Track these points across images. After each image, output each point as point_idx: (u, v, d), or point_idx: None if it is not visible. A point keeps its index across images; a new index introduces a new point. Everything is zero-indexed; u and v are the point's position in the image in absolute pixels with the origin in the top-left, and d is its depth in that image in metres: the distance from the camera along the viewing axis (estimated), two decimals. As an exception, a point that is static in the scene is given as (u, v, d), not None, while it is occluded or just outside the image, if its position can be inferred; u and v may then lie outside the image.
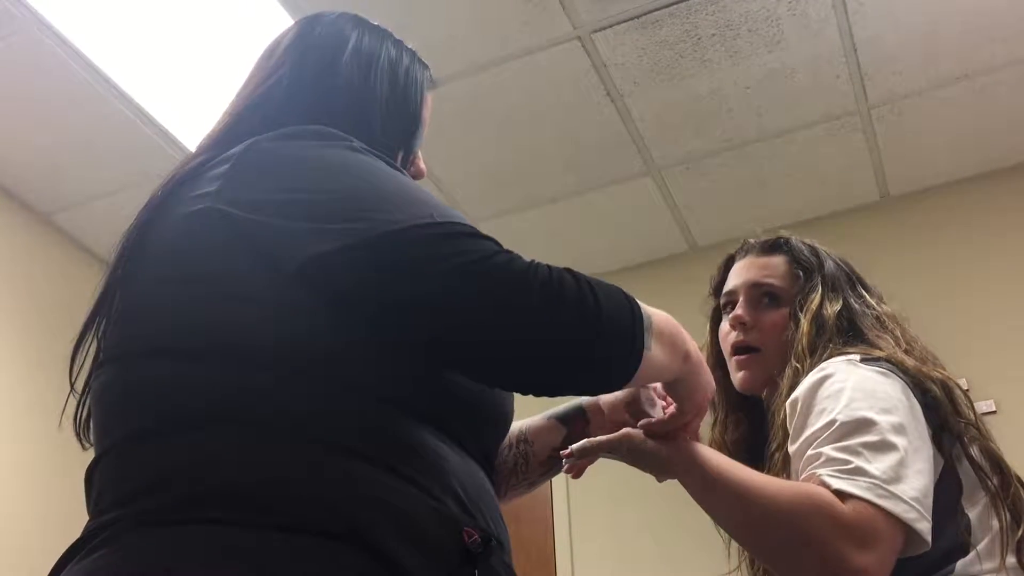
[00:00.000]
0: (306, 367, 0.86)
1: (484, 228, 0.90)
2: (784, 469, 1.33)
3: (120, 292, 0.98)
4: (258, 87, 1.10)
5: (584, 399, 1.32)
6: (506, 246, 0.95)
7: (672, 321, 1.00)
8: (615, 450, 1.22)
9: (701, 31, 3.11)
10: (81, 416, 0.99)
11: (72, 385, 1.01)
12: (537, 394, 0.91)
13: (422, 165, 1.21)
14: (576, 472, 1.30)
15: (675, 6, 3.00)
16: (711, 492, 1.18)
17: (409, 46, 1.21)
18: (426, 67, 1.21)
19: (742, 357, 1.52)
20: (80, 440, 0.99)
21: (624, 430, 1.21)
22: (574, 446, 1.25)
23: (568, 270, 0.91)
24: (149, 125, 3.33)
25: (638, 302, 0.93)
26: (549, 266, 0.90)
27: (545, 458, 1.24)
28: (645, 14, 3.03)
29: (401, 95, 1.14)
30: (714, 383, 1.10)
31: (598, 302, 0.88)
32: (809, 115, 3.48)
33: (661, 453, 1.19)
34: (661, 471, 1.23)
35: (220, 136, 1.07)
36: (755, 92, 3.36)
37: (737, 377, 1.53)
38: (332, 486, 0.80)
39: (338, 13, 1.17)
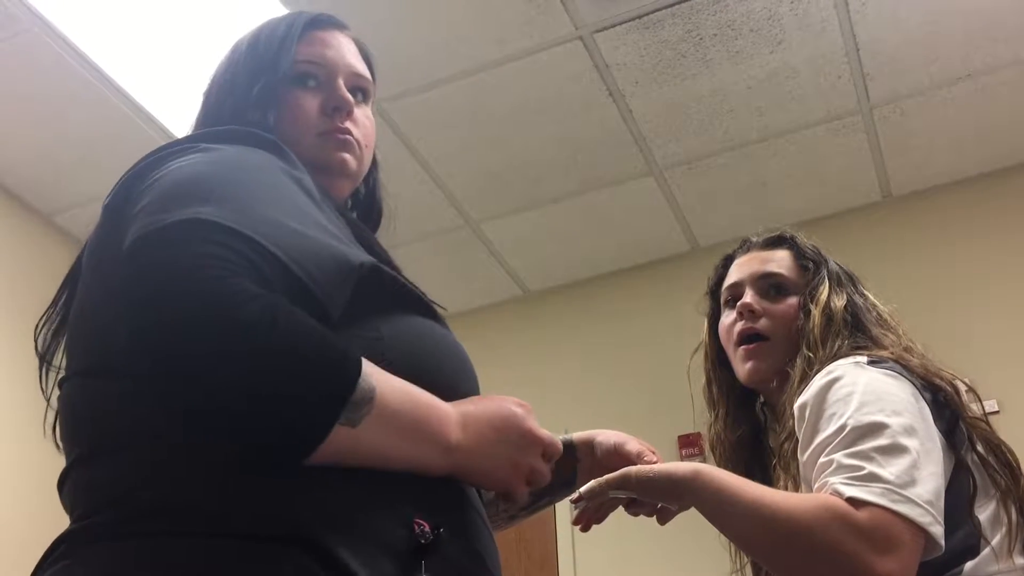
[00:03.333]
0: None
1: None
2: (794, 460, 1.32)
3: (72, 303, 1.02)
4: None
5: (576, 435, 1.31)
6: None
7: (425, 408, 0.86)
8: (624, 486, 1.21)
9: (703, 31, 3.10)
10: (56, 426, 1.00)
11: (44, 393, 1.02)
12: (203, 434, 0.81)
13: (341, 94, 1.14)
14: (585, 525, 1.31)
15: (677, 6, 3.00)
16: (727, 513, 1.17)
17: (288, 11, 1.24)
18: (299, 15, 1.18)
19: (750, 346, 1.49)
20: (58, 448, 1.00)
21: (624, 468, 1.21)
22: (582, 489, 1.25)
23: (280, 309, 0.78)
24: (150, 125, 3.33)
25: (363, 375, 0.80)
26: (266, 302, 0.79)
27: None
28: (647, 14, 3.03)
29: (261, 54, 1.14)
30: (519, 453, 0.92)
31: (274, 353, 0.76)
32: (811, 115, 3.47)
33: (670, 481, 1.19)
34: (673, 498, 1.23)
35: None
36: (757, 92, 3.35)
37: (744, 368, 1.50)
38: (272, 490, 0.79)
39: (243, 36, 1.21)
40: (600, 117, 3.43)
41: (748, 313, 1.50)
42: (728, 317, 1.55)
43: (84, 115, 3.27)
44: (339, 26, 1.21)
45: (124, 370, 0.83)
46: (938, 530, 1.13)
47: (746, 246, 1.62)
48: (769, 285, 1.52)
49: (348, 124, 1.13)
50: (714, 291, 1.64)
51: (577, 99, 3.35)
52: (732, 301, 1.55)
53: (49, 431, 0.99)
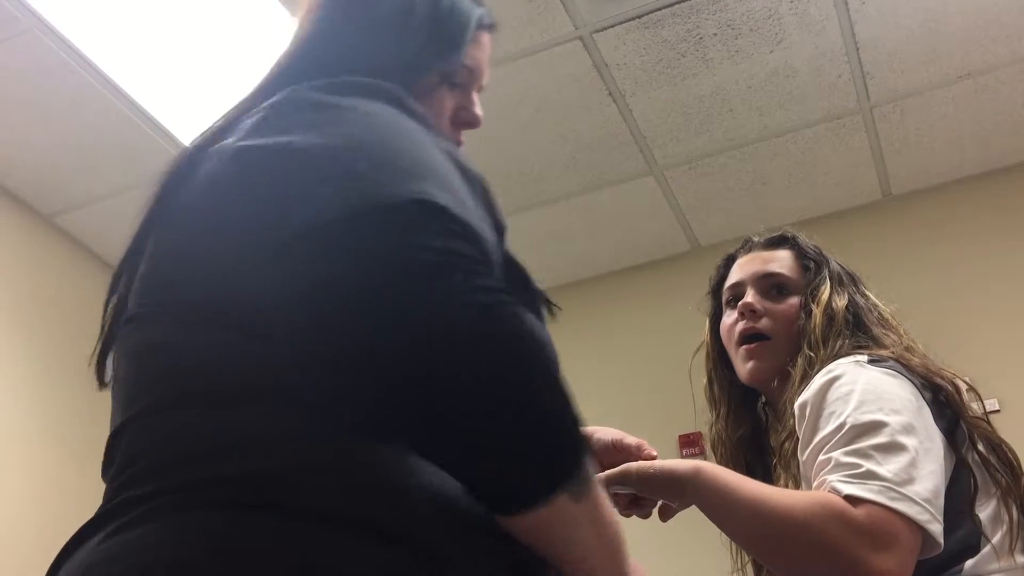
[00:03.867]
0: (333, 353, 0.75)
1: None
2: (794, 459, 1.33)
3: (155, 241, 0.90)
4: (303, 30, 1.05)
5: None
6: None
7: (616, 522, 0.81)
8: (625, 482, 1.22)
9: (703, 30, 3.11)
10: (102, 356, 0.92)
11: (103, 329, 0.93)
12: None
13: (477, 111, 1.11)
14: None
15: (677, 6, 3.00)
16: (725, 510, 1.18)
17: None
18: (479, 4, 1.12)
19: (752, 346, 1.50)
20: (100, 380, 0.92)
21: (625, 464, 1.22)
22: None
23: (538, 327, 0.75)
24: (152, 127, 3.33)
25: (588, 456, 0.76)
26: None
27: None
28: (647, 14, 3.03)
29: (443, 22, 1.05)
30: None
31: (559, 408, 0.73)
32: (811, 114, 3.47)
33: (671, 478, 1.20)
34: (673, 495, 1.23)
35: (262, 86, 1.00)
36: (757, 91, 3.36)
37: (746, 368, 1.50)
38: (398, 479, 0.73)
39: None
40: (600, 117, 3.43)
41: (749, 313, 1.50)
42: (730, 317, 1.55)
43: (85, 117, 3.27)
44: (496, 28, 1.15)
45: (299, 330, 0.75)
46: (936, 528, 1.14)
47: (748, 246, 1.63)
48: (771, 285, 1.53)
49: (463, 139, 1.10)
50: (716, 291, 1.64)
51: (577, 99, 3.35)
52: (734, 301, 1.56)
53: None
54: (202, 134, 0.95)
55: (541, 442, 0.72)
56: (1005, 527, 1.25)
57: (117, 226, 1.02)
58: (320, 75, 0.93)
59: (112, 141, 3.35)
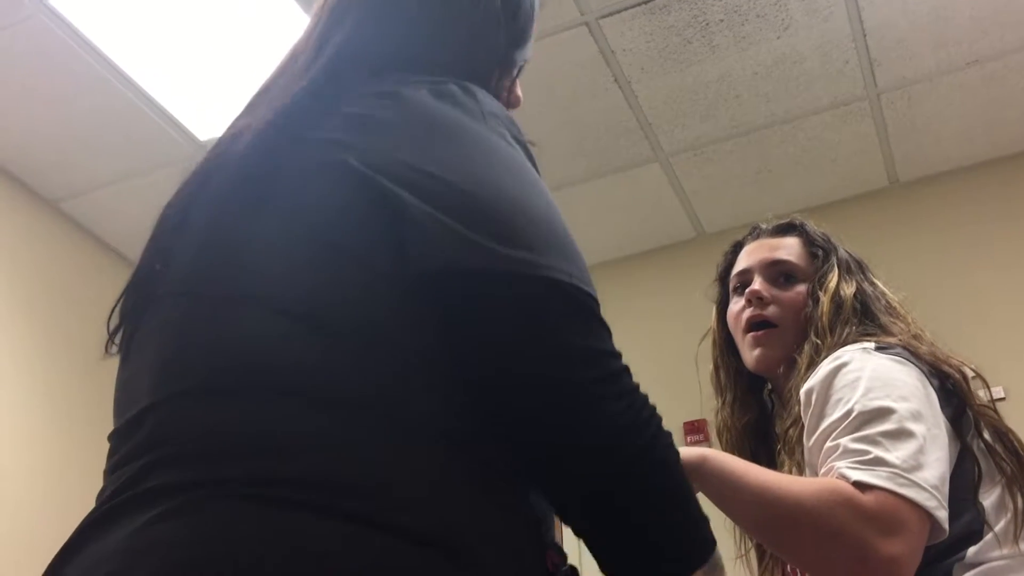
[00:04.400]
0: (413, 366, 0.77)
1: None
2: (799, 446, 1.33)
3: (216, 222, 0.85)
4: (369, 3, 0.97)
5: None
6: None
7: None
8: None
9: (709, 16, 3.09)
10: (118, 324, 0.89)
11: (132, 293, 0.88)
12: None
13: (519, 92, 1.10)
14: None
15: (683, -9, 2.99)
16: (732, 498, 1.18)
17: None
18: None
19: (759, 333, 1.49)
20: (108, 346, 0.89)
21: None
22: None
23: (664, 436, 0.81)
24: (156, 113, 3.33)
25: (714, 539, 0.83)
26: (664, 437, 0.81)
27: None
28: (653, -1, 3.02)
29: (514, 8, 1.03)
30: None
31: (673, 495, 0.80)
32: (818, 101, 3.46)
33: None
34: None
35: (329, 58, 0.92)
36: (763, 78, 3.34)
37: (752, 355, 1.50)
38: (450, 502, 0.75)
39: None
40: (606, 103, 3.42)
41: (756, 300, 1.50)
42: (737, 304, 1.55)
43: (89, 102, 3.27)
44: None
45: (395, 341, 0.77)
46: (943, 514, 1.14)
47: (755, 233, 1.62)
48: (778, 272, 1.52)
49: None
50: (723, 278, 1.64)
51: (583, 85, 3.34)
52: (741, 288, 1.55)
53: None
54: (262, 107, 0.90)
55: (683, 549, 0.80)
56: (1009, 515, 1.25)
57: (121, 211, 1.02)
58: (403, 67, 0.90)
59: (116, 127, 3.34)
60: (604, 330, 0.82)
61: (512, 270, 0.77)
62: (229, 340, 0.78)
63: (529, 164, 0.88)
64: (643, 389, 0.85)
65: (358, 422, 0.74)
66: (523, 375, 0.77)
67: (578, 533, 0.81)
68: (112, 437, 0.83)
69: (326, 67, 0.90)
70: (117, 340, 0.90)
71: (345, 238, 0.79)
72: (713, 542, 0.83)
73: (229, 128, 0.93)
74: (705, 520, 0.83)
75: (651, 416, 0.81)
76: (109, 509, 0.73)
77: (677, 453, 0.83)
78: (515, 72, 1.07)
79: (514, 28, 1.03)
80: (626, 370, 0.81)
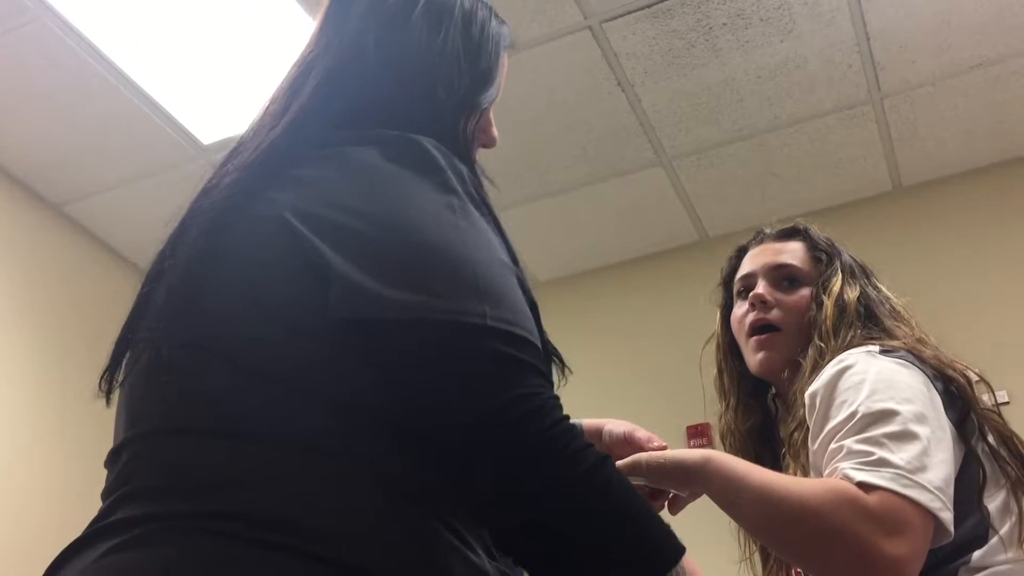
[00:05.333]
0: (344, 410, 0.81)
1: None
2: (803, 449, 1.33)
3: (184, 270, 0.90)
4: (333, 51, 1.01)
5: (585, 421, 1.31)
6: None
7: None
8: (635, 472, 1.23)
9: (712, 20, 3.09)
10: (113, 377, 0.94)
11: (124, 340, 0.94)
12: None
13: (494, 132, 1.13)
14: None
15: (686, -5, 2.99)
16: (736, 498, 1.18)
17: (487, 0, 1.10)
18: (504, 23, 1.13)
19: (762, 337, 1.50)
20: (107, 396, 0.95)
21: (635, 455, 1.23)
22: None
23: (609, 470, 0.82)
24: (160, 117, 3.34)
25: (682, 552, 0.84)
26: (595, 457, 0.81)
27: None
28: (656, 3, 3.02)
29: (475, 51, 1.06)
30: None
31: (620, 514, 0.81)
32: (821, 105, 3.46)
33: (681, 467, 1.20)
34: (684, 484, 1.24)
35: (293, 116, 0.97)
36: (767, 82, 3.34)
37: (756, 359, 1.50)
38: (392, 532, 0.78)
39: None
40: (609, 107, 3.42)
41: (760, 304, 1.50)
42: (740, 308, 1.55)
43: (94, 106, 3.28)
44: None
45: (326, 388, 0.81)
46: (947, 516, 1.14)
47: (759, 237, 1.62)
48: (782, 276, 1.53)
49: None
50: (727, 282, 1.64)
51: (586, 89, 3.34)
52: (745, 292, 1.55)
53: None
54: (245, 160, 0.94)
55: (640, 568, 0.81)
56: (1014, 518, 1.25)
57: (125, 215, 1.05)
58: (361, 122, 0.94)
59: (121, 130, 3.35)
60: (520, 368, 0.81)
61: (418, 316, 0.80)
62: (182, 386, 0.85)
63: (469, 211, 0.89)
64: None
65: (293, 461, 0.79)
66: (437, 418, 0.79)
67: (530, 569, 0.83)
68: (105, 463, 0.91)
69: (288, 126, 0.96)
70: (118, 376, 0.96)
71: (274, 290, 0.84)
72: (675, 554, 0.83)
73: (214, 173, 0.98)
74: (665, 535, 0.83)
75: (581, 446, 0.82)
76: (85, 536, 0.82)
77: (619, 473, 0.84)
78: (482, 113, 1.09)
79: (477, 73, 1.06)
80: (545, 406, 0.81)
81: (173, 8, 2.97)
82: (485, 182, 1.05)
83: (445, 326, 0.80)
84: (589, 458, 0.81)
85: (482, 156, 1.10)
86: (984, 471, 1.27)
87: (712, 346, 1.65)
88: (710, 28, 3.12)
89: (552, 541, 0.79)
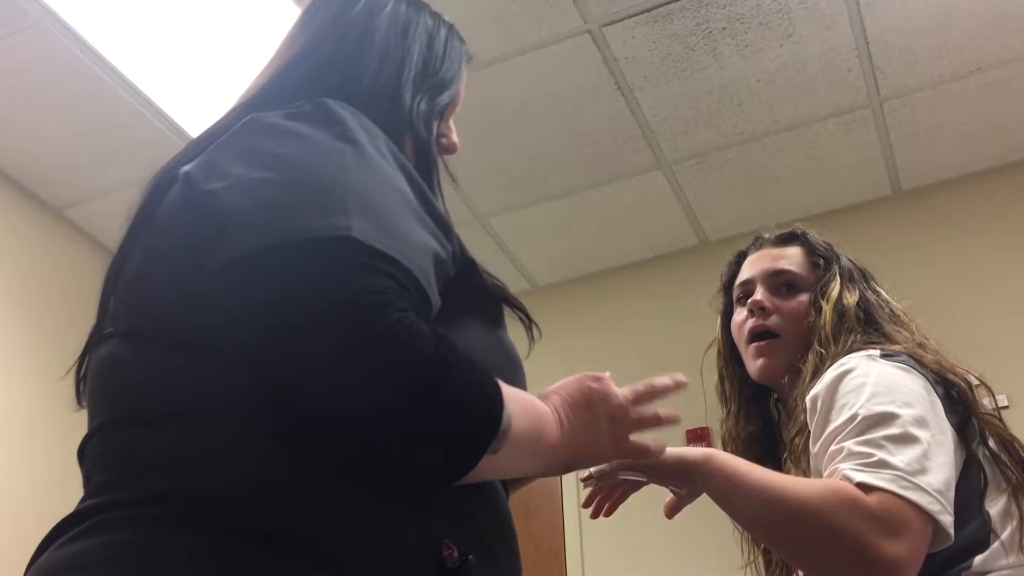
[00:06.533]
0: (272, 372, 0.81)
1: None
2: (804, 454, 1.33)
3: (129, 261, 0.95)
4: (291, 51, 1.08)
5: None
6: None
7: (534, 424, 0.89)
8: (636, 467, 1.23)
9: (712, 24, 3.10)
10: (80, 378, 0.98)
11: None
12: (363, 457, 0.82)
13: (455, 138, 1.17)
14: (595, 510, 1.33)
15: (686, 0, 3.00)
16: (736, 497, 1.18)
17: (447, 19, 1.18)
18: (463, 41, 1.19)
19: (761, 343, 1.50)
20: (78, 399, 0.98)
21: None
22: (592, 469, 1.27)
23: (443, 347, 0.80)
24: (161, 120, 3.34)
25: (505, 405, 0.83)
26: (429, 338, 0.80)
27: None
28: (656, 7, 3.02)
29: (437, 62, 1.12)
30: (613, 426, 0.97)
31: (443, 393, 0.79)
32: (821, 109, 3.46)
33: (682, 464, 1.20)
34: (684, 481, 1.24)
35: (235, 108, 1.03)
36: (766, 86, 3.35)
37: (755, 365, 1.51)
38: (313, 499, 0.79)
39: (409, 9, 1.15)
40: (609, 111, 3.43)
41: (759, 310, 1.50)
42: (740, 314, 1.55)
43: (94, 109, 3.28)
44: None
45: (223, 351, 0.81)
46: (947, 519, 1.14)
47: (759, 243, 1.62)
48: (780, 282, 1.53)
49: None
50: (727, 287, 1.64)
51: (586, 93, 3.35)
52: (744, 298, 1.56)
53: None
54: (180, 151, 1.00)
55: (447, 446, 0.80)
56: (1015, 523, 1.25)
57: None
58: (293, 101, 0.97)
59: (121, 134, 3.35)
60: (372, 274, 0.80)
61: (283, 240, 0.80)
62: (123, 375, 0.88)
63: (364, 154, 0.90)
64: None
65: (214, 435, 0.81)
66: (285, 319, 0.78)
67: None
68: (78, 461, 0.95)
69: (232, 113, 1.02)
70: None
71: (183, 255, 0.87)
72: (495, 412, 0.82)
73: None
74: (490, 396, 0.82)
75: (423, 346, 0.79)
76: (49, 533, 0.85)
77: (459, 355, 0.82)
78: (438, 117, 1.12)
79: (437, 80, 1.11)
80: (389, 304, 0.79)
81: (173, 11, 2.97)
82: (447, 184, 1.09)
83: (305, 244, 0.80)
84: (425, 347, 0.79)
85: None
86: (985, 476, 1.27)
87: (714, 351, 1.65)
88: (710, 32, 3.12)
89: (387, 432, 0.79)
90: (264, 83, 1.05)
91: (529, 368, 1.07)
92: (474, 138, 3.51)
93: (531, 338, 1.05)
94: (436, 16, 1.17)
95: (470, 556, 0.81)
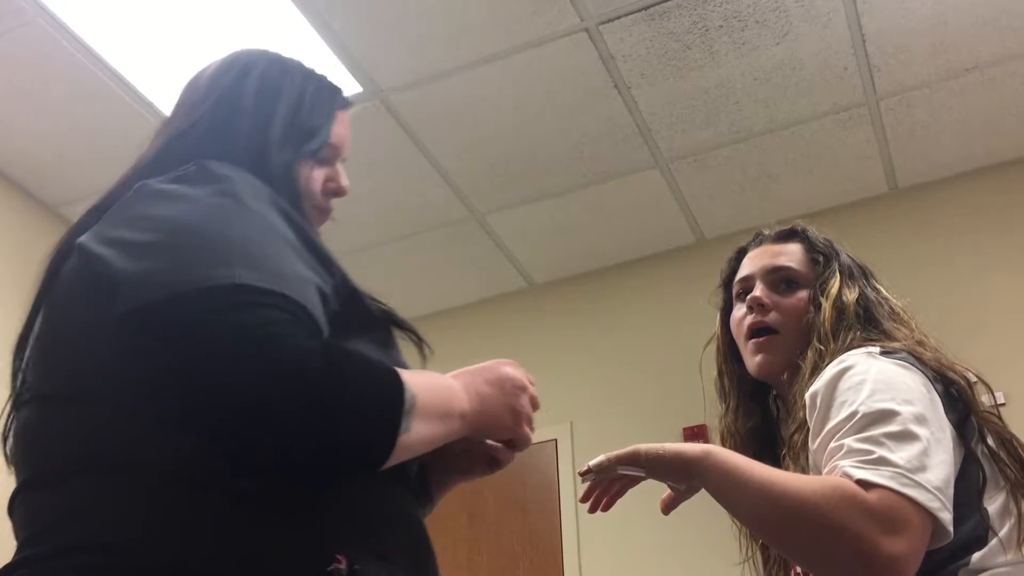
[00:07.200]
0: (148, 422, 0.89)
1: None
2: (803, 450, 1.33)
3: (32, 330, 1.05)
4: (175, 122, 1.21)
5: None
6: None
7: (442, 391, 1.00)
8: (634, 462, 1.23)
9: (709, 22, 3.10)
10: (4, 439, 1.05)
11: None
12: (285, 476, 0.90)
13: (343, 182, 1.24)
14: (592, 505, 1.34)
15: (683, -3, 2.99)
16: (735, 493, 1.18)
17: (320, 72, 1.27)
18: (337, 90, 1.27)
19: (760, 340, 1.50)
20: (6, 459, 1.04)
21: (634, 445, 1.23)
22: (591, 463, 1.28)
23: (335, 355, 0.89)
24: (155, 118, 3.33)
25: (405, 386, 0.92)
26: (312, 351, 0.88)
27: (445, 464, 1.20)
28: (652, 5, 3.02)
29: (304, 114, 1.19)
30: (514, 398, 1.08)
31: (344, 394, 0.87)
32: (817, 107, 3.47)
33: (681, 460, 1.20)
34: (683, 477, 1.24)
35: (124, 179, 1.15)
36: (763, 84, 3.35)
37: (754, 361, 1.51)
38: (201, 540, 0.85)
39: (254, 51, 1.26)
40: (605, 109, 3.43)
41: (758, 307, 1.50)
42: (739, 310, 1.55)
43: (89, 107, 3.27)
44: (351, 106, 1.31)
45: (117, 399, 0.90)
46: (946, 516, 1.14)
47: (758, 239, 1.62)
48: (779, 279, 1.53)
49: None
50: (726, 284, 1.64)
51: (582, 91, 3.34)
52: (743, 294, 1.55)
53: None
54: (75, 223, 1.10)
55: (362, 437, 0.89)
56: (1013, 520, 1.25)
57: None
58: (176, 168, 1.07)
59: (116, 131, 3.34)
60: (260, 309, 0.88)
61: (174, 292, 0.88)
62: (33, 435, 0.96)
63: (244, 205, 0.99)
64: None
65: (114, 486, 0.88)
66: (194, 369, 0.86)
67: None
68: None
69: (122, 182, 1.14)
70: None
71: (79, 316, 0.96)
72: (396, 399, 0.90)
73: None
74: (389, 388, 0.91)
75: (312, 361, 0.87)
76: None
77: (353, 364, 0.91)
78: (314, 163, 1.20)
79: (303, 132, 1.19)
80: (280, 334, 0.87)
81: (168, 9, 2.96)
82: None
83: (195, 294, 0.88)
84: (315, 363, 0.87)
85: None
86: (984, 473, 1.27)
87: (712, 348, 1.65)
88: (706, 30, 3.12)
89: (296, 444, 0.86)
90: (153, 152, 1.17)
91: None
92: (470, 136, 3.51)
93: (423, 356, 1.14)
94: (305, 72, 1.25)
95: (356, 566, 0.88)
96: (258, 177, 1.05)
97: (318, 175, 1.20)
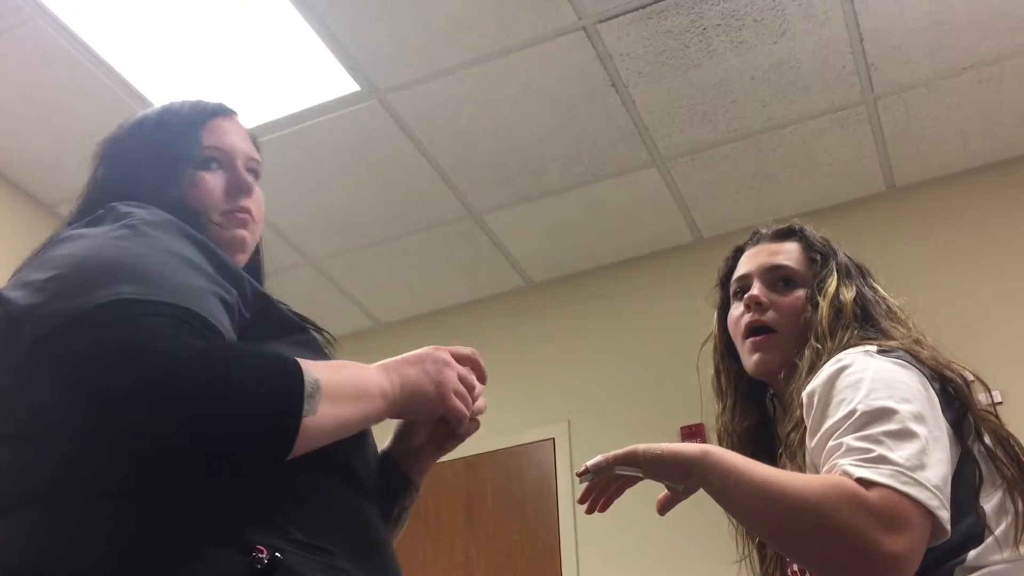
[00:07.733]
0: (74, 449, 0.94)
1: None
2: (800, 449, 1.33)
3: None
4: (91, 179, 1.36)
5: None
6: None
7: (355, 373, 1.05)
8: (631, 462, 1.23)
9: (706, 21, 3.10)
10: None
11: None
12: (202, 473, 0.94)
13: (243, 178, 1.29)
14: (590, 506, 1.34)
15: (680, -4, 2.99)
16: (734, 493, 1.18)
17: (192, 99, 1.36)
18: (200, 102, 1.35)
19: (758, 338, 1.50)
20: None
21: (632, 445, 1.23)
22: (589, 463, 1.28)
23: (225, 351, 0.94)
24: (153, 116, 3.33)
25: (305, 372, 0.96)
26: (199, 354, 0.92)
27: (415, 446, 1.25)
28: (650, 4, 3.02)
29: (168, 136, 1.30)
30: (437, 373, 1.13)
31: (234, 385, 0.91)
32: (815, 106, 3.47)
33: (678, 460, 1.20)
34: (681, 477, 1.24)
35: (64, 226, 1.22)
36: (761, 82, 3.35)
37: (752, 360, 1.51)
38: (133, 550, 0.89)
39: (147, 113, 1.40)
40: (603, 108, 3.43)
41: (755, 305, 1.50)
42: (736, 309, 1.55)
43: (87, 106, 3.27)
44: (233, 114, 1.37)
45: (37, 431, 0.96)
46: (945, 514, 1.14)
47: (756, 238, 1.62)
48: (777, 277, 1.53)
49: (247, 203, 1.28)
50: (724, 282, 1.64)
51: (580, 90, 3.34)
52: (741, 293, 1.56)
53: None
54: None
55: (262, 441, 0.93)
56: (1010, 518, 1.25)
57: (118, 216, 1.08)
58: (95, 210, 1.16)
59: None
60: (148, 316, 0.94)
61: (70, 316, 0.94)
62: None
63: (141, 232, 1.07)
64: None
65: (40, 516, 0.93)
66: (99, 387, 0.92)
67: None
68: None
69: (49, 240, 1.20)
70: None
71: (2, 359, 1.02)
72: (296, 387, 0.94)
73: None
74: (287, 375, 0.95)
75: (201, 363, 0.92)
76: None
77: (241, 363, 0.94)
78: (201, 173, 1.28)
79: (167, 159, 1.28)
80: (165, 335, 0.92)
81: (166, 8, 2.96)
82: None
83: (82, 316, 0.93)
84: (199, 363, 0.91)
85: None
86: (980, 471, 1.27)
87: (709, 347, 1.65)
88: (704, 29, 3.12)
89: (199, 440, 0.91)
90: (75, 209, 1.30)
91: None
92: (468, 134, 3.51)
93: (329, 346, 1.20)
94: (170, 109, 1.36)
95: (277, 554, 0.90)
96: (163, 209, 1.13)
97: (213, 184, 1.26)
